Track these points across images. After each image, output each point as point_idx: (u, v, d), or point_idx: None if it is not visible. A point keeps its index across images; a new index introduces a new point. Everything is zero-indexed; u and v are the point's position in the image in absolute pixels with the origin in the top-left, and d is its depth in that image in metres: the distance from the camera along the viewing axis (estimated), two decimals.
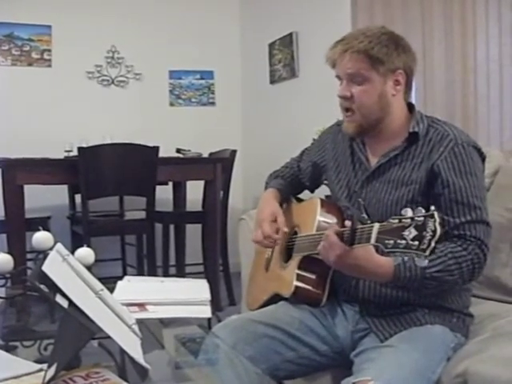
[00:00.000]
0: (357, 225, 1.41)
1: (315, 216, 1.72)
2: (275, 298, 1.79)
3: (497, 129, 3.11)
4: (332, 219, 1.71)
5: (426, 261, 1.26)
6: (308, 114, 4.26)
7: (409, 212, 1.27)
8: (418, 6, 3.39)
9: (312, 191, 2.02)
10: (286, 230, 1.80)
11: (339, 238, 1.45)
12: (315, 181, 1.97)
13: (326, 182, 1.90)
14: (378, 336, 1.59)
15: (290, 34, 4.47)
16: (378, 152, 1.70)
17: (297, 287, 1.69)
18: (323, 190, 1.91)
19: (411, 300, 1.61)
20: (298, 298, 1.71)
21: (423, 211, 1.25)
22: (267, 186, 2.00)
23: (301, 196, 2.01)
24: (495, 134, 3.11)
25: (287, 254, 1.82)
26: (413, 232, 1.24)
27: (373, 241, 1.33)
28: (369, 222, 1.41)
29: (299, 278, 1.70)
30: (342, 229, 1.48)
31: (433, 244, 1.22)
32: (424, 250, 1.23)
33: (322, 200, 1.77)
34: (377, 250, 1.45)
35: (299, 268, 1.71)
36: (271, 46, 4.79)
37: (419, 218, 1.24)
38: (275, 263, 1.89)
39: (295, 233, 1.82)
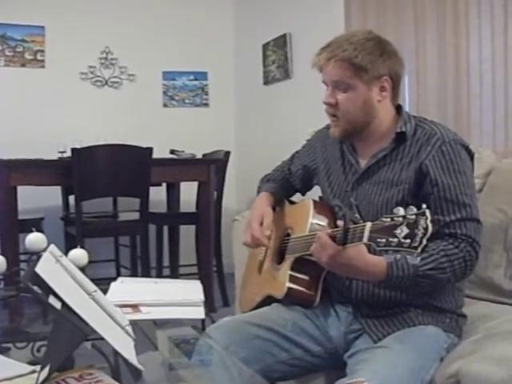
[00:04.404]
0: (349, 224, 1.42)
1: (308, 217, 1.72)
2: (268, 300, 1.79)
3: (490, 129, 3.11)
4: (324, 220, 1.71)
5: (418, 258, 1.27)
6: (302, 115, 4.26)
7: (401, 210, 1.28)
8: (410, 8, 3.39)
9: (303, 194, 2.02)
10: (268, 233, 1.80)
11: (331, 238, 1.46)
12: (306, 184, 1.97)
13: (317, 184, 1.91)
14: (372, 337, 1.59)
15: (284, 35, 4.48)
16: (367, 154, 1.70)
17: (289, 288, 1.69)
18: (317, 192, 1.91)
19: (404, 300, 1.62)
20: (290, 299, 1.71)
21: (415, 209, 1.26)
22: (259, 190, 2.01)
23: (293, 198, 2.01)
24: (488, 135, 3.11)
25: (280, 256, 1.82)
26: (404, 230, 1.25)
27: (365, 239, 1.34)
28: (361, 221, 1.42)
29: (292, 279, 1.70)
30: (335, 229, 1.48)
31: (424, 242, 1.23)
32: (416, 248, 1.23)
33: (314, 201, 1.77)
34: (369, 249, 1.46)
35: (292, 269, 1.71)
36: (265, 46, 4.79)
37: (411, 216, 1.25)
38: (268, 265, 1.88)
39: (288, 234, 1.82)
